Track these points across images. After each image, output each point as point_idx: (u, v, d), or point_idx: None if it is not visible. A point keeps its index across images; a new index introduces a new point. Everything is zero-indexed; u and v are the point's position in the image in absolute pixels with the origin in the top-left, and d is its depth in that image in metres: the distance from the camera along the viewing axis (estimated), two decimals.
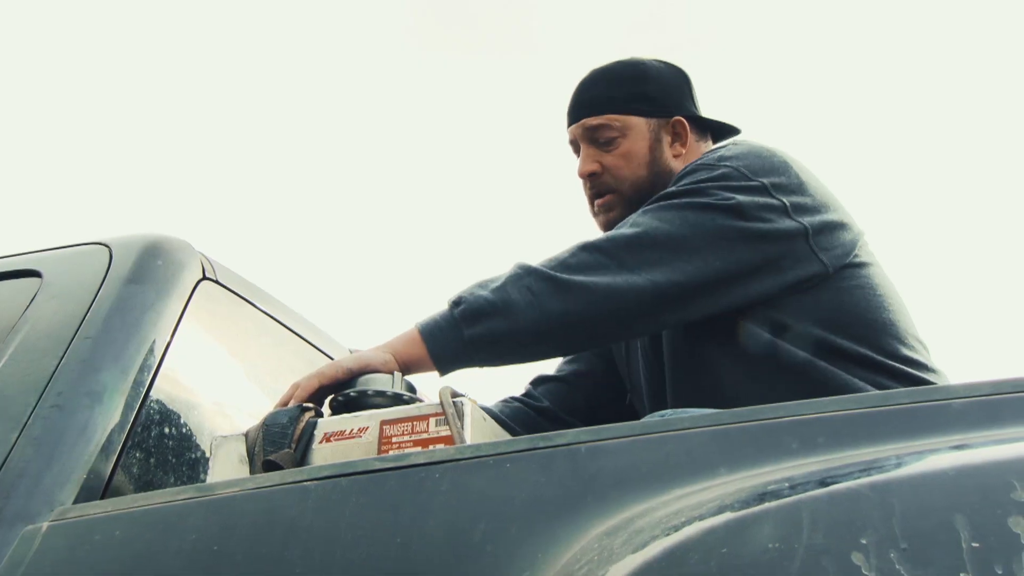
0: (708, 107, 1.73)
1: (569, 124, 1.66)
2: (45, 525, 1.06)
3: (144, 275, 1.38)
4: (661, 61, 1.70)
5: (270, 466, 1.13)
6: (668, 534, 0.73)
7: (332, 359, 1.66)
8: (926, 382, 1.38)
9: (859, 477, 0.73)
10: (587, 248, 1.37)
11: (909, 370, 1.38)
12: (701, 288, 1.36)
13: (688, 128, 1.64)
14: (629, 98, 1.62)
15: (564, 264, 1.35)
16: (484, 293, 1.33)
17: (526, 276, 1.34)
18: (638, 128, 1.61)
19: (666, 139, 1.63)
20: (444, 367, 1.35)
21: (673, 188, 1.46)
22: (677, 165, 1.60)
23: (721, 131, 1.71)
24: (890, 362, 1.38)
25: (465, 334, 1.31)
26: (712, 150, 1.58)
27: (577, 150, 1.65)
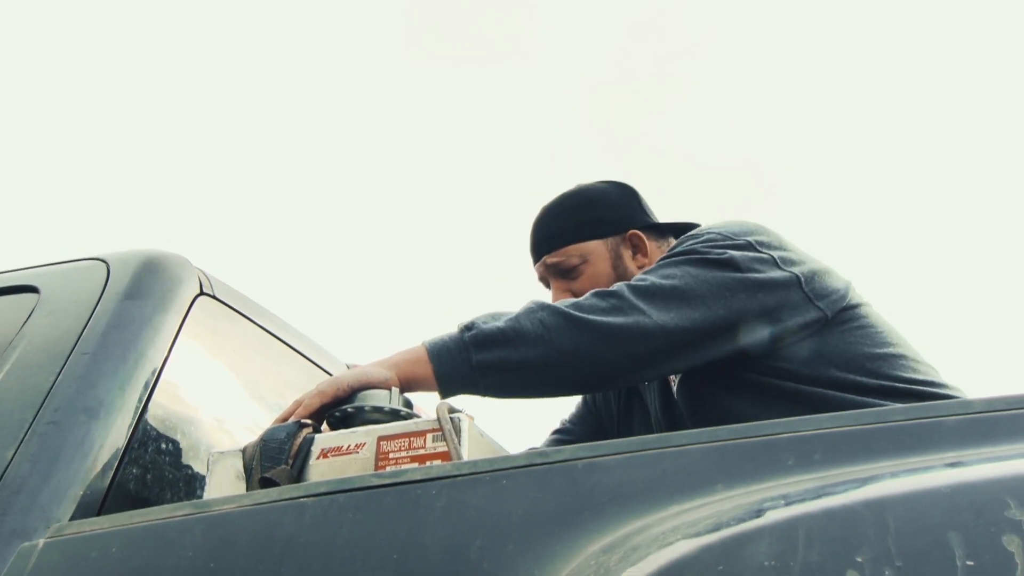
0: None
1: (533, 263, 1.74)
2: (41, 542, 1.06)
3: (141, 291, 1.38)
4: (606, 182, 1.78)
5: (267, 482, 1.13)
6: (665, 550, 0.73)
7: (330, 374, 1.66)
8: (949, 396, 1.42)
9: (855, 494, 0.73)
10: (600, 294, 1.41)
11: (928, 389, 1.42)
12: (707, 334, 1.40)
13: (645, 238, 1.71)
14: (582, 225, 1.70)
15: (578, 304, 1.38)
16: (497, 322, 1.35)
17: (540, 310, 1.36)
18: (597, 251, 1.69)
19: (627, 253, 1.71)
20: (448, 389, 1.35)
21: (666, 255, 1.51)
22: None
23: (682, 229, 1.76)
24: (908, 386, 1.42)
25: (474, 359, 1.32)
26: (689, 233, 1.63)
27: (548, 285, 1.73)
